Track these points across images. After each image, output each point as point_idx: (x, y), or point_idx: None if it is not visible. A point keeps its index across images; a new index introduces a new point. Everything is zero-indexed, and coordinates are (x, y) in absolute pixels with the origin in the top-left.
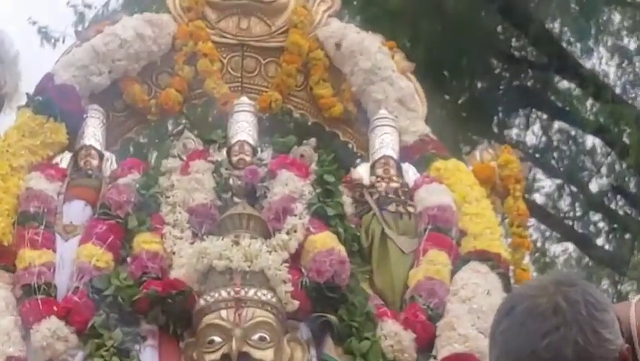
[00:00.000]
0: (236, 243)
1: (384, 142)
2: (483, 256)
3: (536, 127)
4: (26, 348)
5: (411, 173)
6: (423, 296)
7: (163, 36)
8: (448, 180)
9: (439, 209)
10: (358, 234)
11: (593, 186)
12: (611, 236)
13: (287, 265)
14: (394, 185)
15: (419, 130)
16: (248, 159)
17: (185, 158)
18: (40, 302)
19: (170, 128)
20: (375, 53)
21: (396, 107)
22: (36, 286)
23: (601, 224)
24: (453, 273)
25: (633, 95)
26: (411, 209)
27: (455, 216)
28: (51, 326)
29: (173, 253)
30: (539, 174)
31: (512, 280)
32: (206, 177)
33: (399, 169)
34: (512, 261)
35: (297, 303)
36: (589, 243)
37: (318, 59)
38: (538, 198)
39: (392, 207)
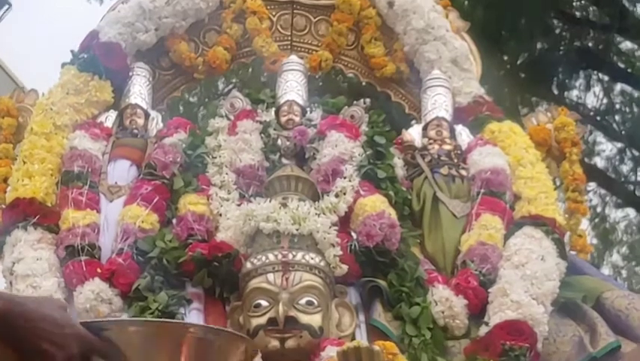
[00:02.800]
0: (284, 205)
1: (437, 103)
2: (537, 221)
3: (597, 89)
4: (70, 310)
5: (464, 135)
6: (475, 262)
7: None
8: (502, 142)
9: (492, 172)
10: (409, 197)
11: None
12: None
13: (336, 228)
14: (447, 147)
15: (473, 91)
16: (297, 119)
17: (232, 118)
18: (83, 264)
19: (219, 87)
20: (429, 12)
21: (449, 67)
22: (80, 247)
23: None
24: (506, 238)
25: None
26: (464, 172)
27: (509, 180)
28: (95, 288)
29: (220, 215)
30: (600, 138)
31: (568, 247)
32: (254, 138)
33: (452, 131)
34: (568, 227)
35: (345, 267)
36: None
37: (369, 18)
38: (599, 161)
39: (444, 170)
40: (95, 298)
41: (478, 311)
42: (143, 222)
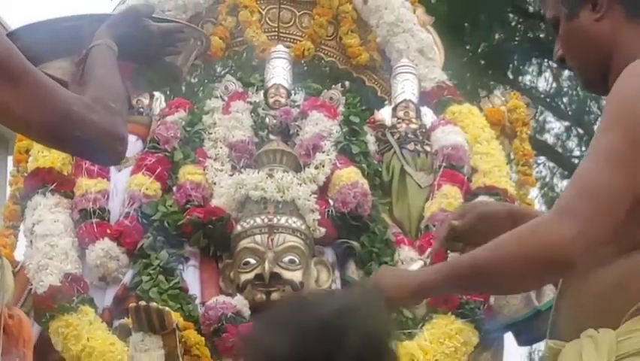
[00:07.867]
0: (271, 175)
1: (405, 88)
2: (491, 191)
3: (548, 74)
4: (82, 266)
5: (428, 116)
6: (436, 226)
7: None
8: (461, 122)
9: (452, 148)
10: (380, 169)
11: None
12: None
13: (315, 196)
14: (413, 126)
15: (437, 77)
16: (283, 100)
17: (226, 99)
18: (95, 225)
19: (217, 70)
20: (399, 7)
21: (416, 56)
22: (91, 210)
23: None
24: None
25: None
26: (428, 148)
27: (467, 155)
28: (104, 247)
29: (214, 184)
30: (550, 117)
31: None
32: (245, 116)
33: (418, 112)
34: (518, 196)
35: (323, 230)
36: None
37: (347, 12)
38: (549, 138)
39: (411, 146)
40: (104, 255)
41: None
42: (147, 189)
